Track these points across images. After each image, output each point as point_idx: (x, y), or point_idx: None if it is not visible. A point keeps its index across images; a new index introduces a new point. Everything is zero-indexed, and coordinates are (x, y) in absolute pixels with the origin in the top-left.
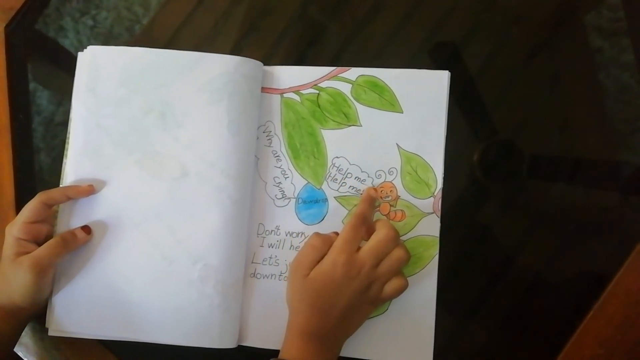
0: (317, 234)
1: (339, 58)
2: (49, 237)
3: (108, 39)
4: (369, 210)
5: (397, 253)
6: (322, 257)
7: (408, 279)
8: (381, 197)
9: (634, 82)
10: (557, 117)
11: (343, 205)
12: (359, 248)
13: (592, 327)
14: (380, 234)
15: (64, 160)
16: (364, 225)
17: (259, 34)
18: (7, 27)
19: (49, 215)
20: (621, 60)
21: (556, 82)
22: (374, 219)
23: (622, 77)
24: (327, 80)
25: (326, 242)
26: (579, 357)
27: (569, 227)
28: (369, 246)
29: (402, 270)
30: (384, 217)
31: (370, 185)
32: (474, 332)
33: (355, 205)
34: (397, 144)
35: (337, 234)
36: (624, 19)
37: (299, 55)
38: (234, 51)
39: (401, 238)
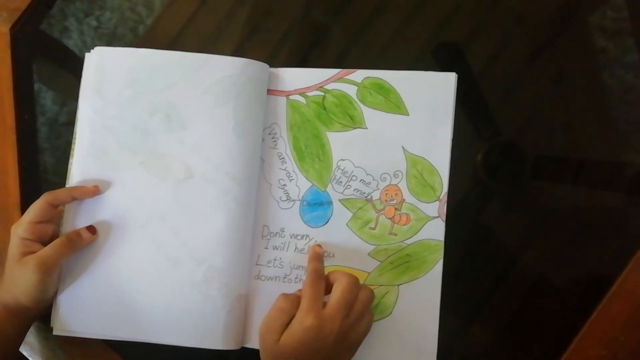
0: (284, 295)
1: (342, 59)
2: (54, 237)
3: (112, 40)
4: (321, 266)
5: (363, 296)
6: (291, 319)
7: (413, 282)
8: (386, 201)
9: (638, 83)
10: (561, 117)
11: (347, 208)
12: (324, 303)
13: (596, 328)
14: (342, 284)
15: (70, 160)
16: (322, 279)
17: (262, 35)
18: (12, 28)
19: (55, 215)
20: (625, 60)
21: (560, 82)
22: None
23: (626, 78)
24: (333, 82)
25: (294, 302)
26: (583, 358)
27: (572, 228)
28: (335, 299)
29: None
30: (338, 269)
31: (376, 188)
32: (477, 333)
33: (360, 208)
34: (402, 147)
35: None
36: (627, 19)
37: (302, 57)
38: (237, 52)
39: (405, 241)
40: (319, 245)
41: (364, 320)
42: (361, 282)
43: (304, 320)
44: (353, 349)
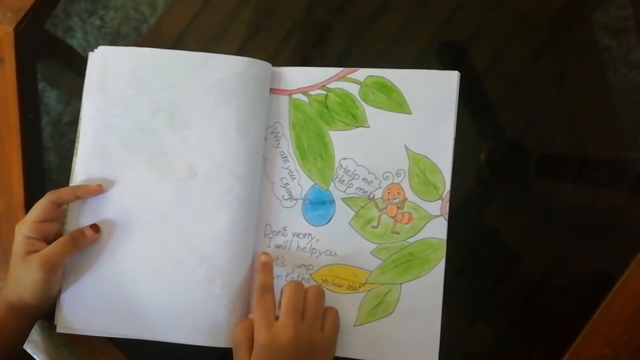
0: (236, 326)
1: (344, 58)
2: (58, 235)
3: (115, 39)
4: (269, 278)
5: (311, 295)
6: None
7: (415, 281)
8: (388, 199)
9: None
10: (565, 116)
11: (350, 207)
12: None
13: (598, 327)
14: (285, 292)
15: (74, 159)
16: (269, 293)
17: (265, 34)
18: (16, 27)
19: (59, 214)
20: (629, 58)
21: (563, 81)
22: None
23: (630, 76)
24: (335, 81)
25: (247, 329)
26: (586, 356)
27: (575, 226)
28: (283, 308)
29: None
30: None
31: (378, 186)
32: (479, 332)
33: (362, 207)
34: (405, 146)
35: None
36: (631, 17)
37: (305, 56)
38: (240, 51)
39: (408, 240)
40: (267, 254)
41: (327, 317)
42: (363, 280)
43: (258, 338)
44: (326, 348)
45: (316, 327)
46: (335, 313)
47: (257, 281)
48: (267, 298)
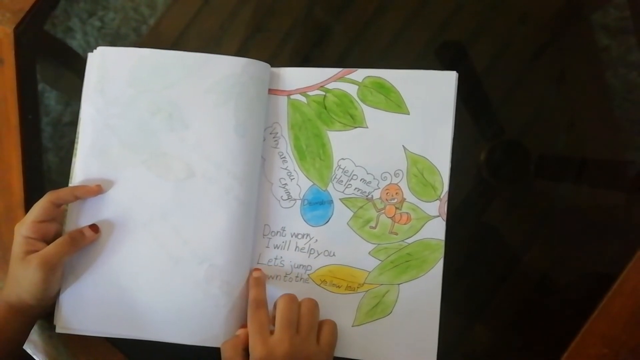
0: (225, 343)
1: (344, 59)
2: (57, 235)
3: (115, 40)
4: (261, 293)
5: (305, 308)
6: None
7: (413, 281)
8: (386, 200)
9: None
10: (564, 116)
11: (348, 207)
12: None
13: (598, 327)
14: (279, 305)
15: (73, 159)
16: (262, 307)
17: (265, 35)
18: (16, 28)
19: (58, 214)
20: (628, 59)
21: (563, 81)
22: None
23: (629, 76)
24: (334, 81)
25: (237, 346)
26: (584, 356)
27: (575, 226)
28: (278, 322)
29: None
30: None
31: (376, 187)
32: (478, 332)
33: (361, 207)
34: (403, 146)
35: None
36: (630, 18)
37: (304, 56)
38: (240, 52)
39: (406, 241)
40: (259, 270)
41: (324, 330)
42: (361, 281)
43: (254, 353)
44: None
45: (311, 340)
46: (332, 326)
47: (250, 296)
48: (261, 312)
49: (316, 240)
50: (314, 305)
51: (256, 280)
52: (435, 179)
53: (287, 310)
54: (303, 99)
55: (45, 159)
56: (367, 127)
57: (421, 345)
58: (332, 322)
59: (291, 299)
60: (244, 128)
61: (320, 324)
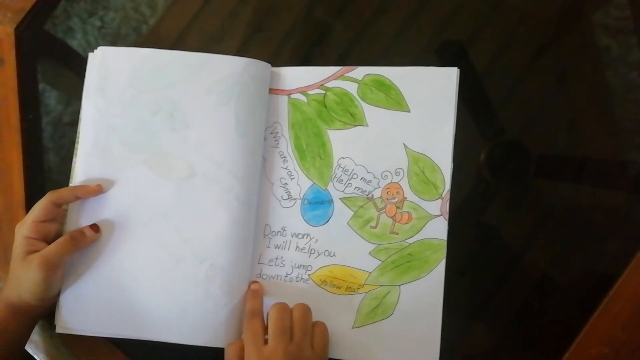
0: (228, 345)
1: (345, 58)
2: (58, 235)
3: (116, 40)
4: (258, 304)
5: (297, 315)
6: None
7: (415, 282)
8: (387, 199)
9: None
10: (564, 116)
11: (348, 207)
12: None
13: (598, 327)
14: (271, 314)
15: (74, 159)
16: (257, 317)
17: (265, 34)
18: (17, 28)
19: (59, 214)
20: (628, 59)
21: (563, 81)
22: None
23: (629, 76)
24: (334, 80)
25: (241, 348)
26: (585, 356)
27: (575, 226)
28: (271, 331)
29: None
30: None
31: (377, 186)
32: (480, 332)
33: (361, 206)
34: (404, 144)
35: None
36: (631, 18)
37: (305, 55)
38: (241, 51)
39: (407, 240)
40: (258, 282)
41: (316, 334)
42: (362, 282)
43: None
44: None
45: (306, 346)
46: (323, 328)
47: (246, 307)
48: (256, 322)
49: (316, 240)
50: (306, 310)
51: (254, 293)
52: (436, 177)
53: (279, 319)
54: (303, 98)
55: (46, 159)
56: (367, 125)
57: (423, 347)
58: (323, 323)
59: (282, 307)
60: (245, 128)
61: (312, 327)
